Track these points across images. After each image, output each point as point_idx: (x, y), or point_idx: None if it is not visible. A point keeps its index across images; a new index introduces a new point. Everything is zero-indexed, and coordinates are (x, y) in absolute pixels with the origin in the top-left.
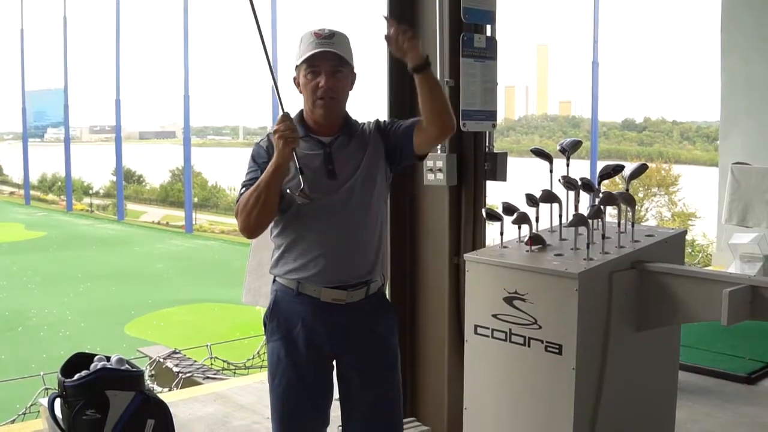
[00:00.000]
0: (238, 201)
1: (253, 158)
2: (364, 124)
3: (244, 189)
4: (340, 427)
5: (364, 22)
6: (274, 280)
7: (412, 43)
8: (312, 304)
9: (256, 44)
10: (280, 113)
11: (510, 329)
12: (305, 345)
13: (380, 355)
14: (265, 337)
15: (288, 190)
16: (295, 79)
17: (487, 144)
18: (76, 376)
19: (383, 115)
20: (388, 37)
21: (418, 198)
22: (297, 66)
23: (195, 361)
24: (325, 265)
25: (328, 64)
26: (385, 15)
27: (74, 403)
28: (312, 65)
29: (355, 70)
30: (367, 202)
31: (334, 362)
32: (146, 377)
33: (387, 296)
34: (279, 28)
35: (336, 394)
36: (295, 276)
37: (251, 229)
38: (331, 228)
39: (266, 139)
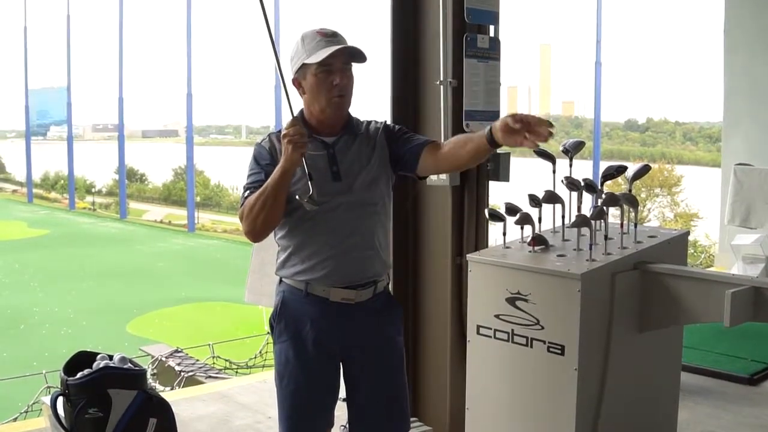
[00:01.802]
0: (242, 204)
1: (256, 159)
2: (370, 123)
3: (248, 192)
4: (342, 427)
5: (365, 22)
6: (281, 281)
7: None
8: (321, 304)
9: (261, 44)
10: (290, 117)
11: (512, 330)
12: (314, 345)
13: (388, 355)
14: (271, 338)
15: (297, 197)
16: (295, 80)
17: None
18: (79, 375)
19: (385, 115)
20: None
21: (420, 198)
22: (303, 66)
23: (197, 360)
24: (334, 267)
25: (339, 62)
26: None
27: (77, 402)
28: (326, 64)
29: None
30: (373, 202)
31: (340, 362)
32: (148, 376)
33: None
34: (281, 29)
35: (341, 394)
36: (303, 277)
37: (257, 233)
38: (338, 229)
39: (268, 139)
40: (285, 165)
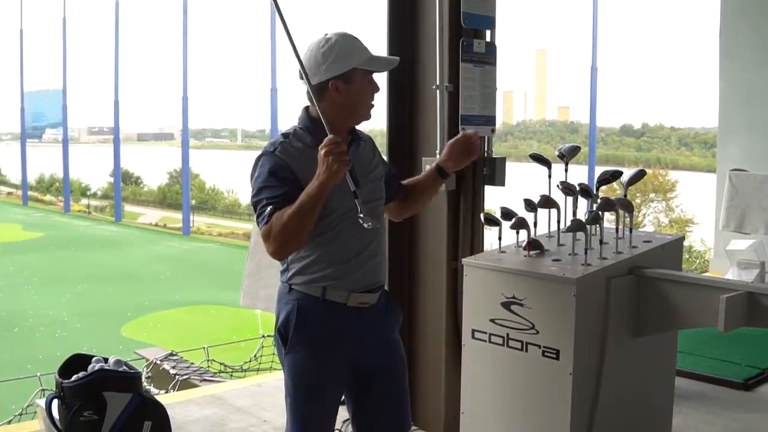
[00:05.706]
0: (266, 222)
1: (273, 174)
2: (360, 131)
3: (271, 208)
4: (344, 422)
5: (361, 26)
6: (291, 289)
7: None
8: (337, 310)
9: (257, 48)
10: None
11: (507, 334)
12: (331, 352)
13: (394, 356)
14: (265, 342)
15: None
16: (333, 83)
17: (485, 149)
18: (74, 377)
19: (382, 120)
20: (462, 141)
21: None
22: (352, 70)
23: (192, 363)
24: (357, 272)
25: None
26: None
27: (71, 404)
28: (370, 71)
29: None
30: (381, 206)
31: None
32: (143, 379)
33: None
34: (276, 32)
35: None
36: (322, 284)
37: (288, 251)
38: (357, 235)
39: (281, 148)
40: (326, 182)
